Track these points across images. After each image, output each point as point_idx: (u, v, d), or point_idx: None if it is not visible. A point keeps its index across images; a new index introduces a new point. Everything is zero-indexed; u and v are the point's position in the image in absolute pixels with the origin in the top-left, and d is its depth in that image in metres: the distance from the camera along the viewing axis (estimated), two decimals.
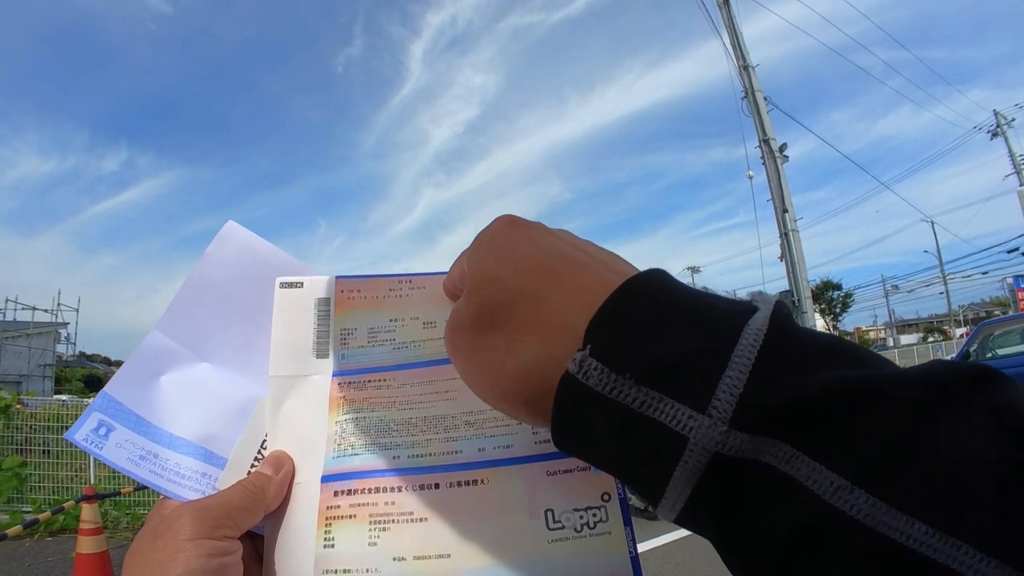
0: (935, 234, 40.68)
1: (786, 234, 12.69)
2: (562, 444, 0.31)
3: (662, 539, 5.08)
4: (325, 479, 0.44)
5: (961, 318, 48.18)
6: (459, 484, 0.42)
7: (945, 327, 48.50)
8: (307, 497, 0.44)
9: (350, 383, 0.47)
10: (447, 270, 0.44)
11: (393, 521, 0.41)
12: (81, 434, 0.47)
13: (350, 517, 0.42)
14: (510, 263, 0.33)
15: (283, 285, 0.50)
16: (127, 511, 6.72)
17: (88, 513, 4.44)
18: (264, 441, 0.47)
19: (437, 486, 0.42)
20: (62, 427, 7.44)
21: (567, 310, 0.30)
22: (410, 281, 0.50)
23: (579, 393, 0.27)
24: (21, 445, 7.34)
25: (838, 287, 48.74)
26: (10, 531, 3.72)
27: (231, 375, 0.51)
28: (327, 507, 0.43)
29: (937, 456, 0.21)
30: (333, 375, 0.48)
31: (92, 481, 6.89)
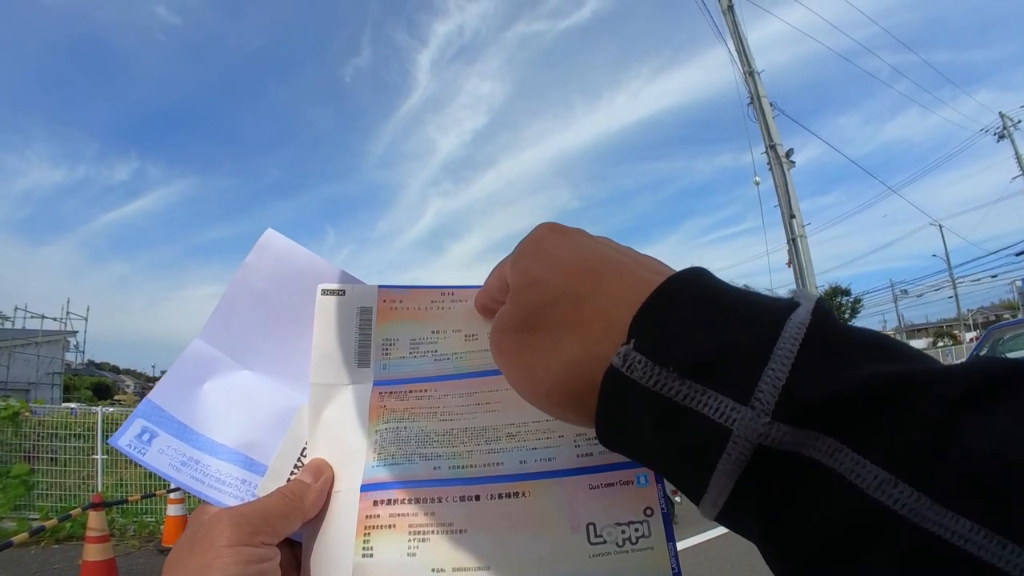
0: (943, 238, 40.51)
1: (794, 240, 12.64)
2: (607, 439, 0.31)
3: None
4: (365, 488, 0.43)
5: (971, 322, 47.91)
6: (500, 496, 0.42)
7: (955, 331, 48.15)
8: (346, 505, 0.44)
9: (391, 393, 0.47)
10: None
11: (433, 532, 0.41)
12: (125, 440, 0.47)
13: (389, 527, 0.42)
14: (552, 266, 0.34)
15: (325, 292, 0.50)
16: (134, 519, 6.74)
17: (95, 521, 4.45)
18: (304, 449, 0.47)
19: (478, 498, 0.42)
20: (70, 435, 7.48)
21: (610, 308, 0.30)
22: (452, 294, 0.50)
23: (623, 386, 0.28)
24: (29, 452, 7.37)
25: (847, 292, 48.47)
26: (16, 538, 3.73)
27: (272, 382, 0.51)
28: (366, 516, 0.42)
29: (982, 452, 0.20)
30: (374, 384, 0.48)
31: (99, 489, 6.91)
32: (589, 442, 0.43)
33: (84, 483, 7.27)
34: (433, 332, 0.49)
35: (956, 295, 41.75)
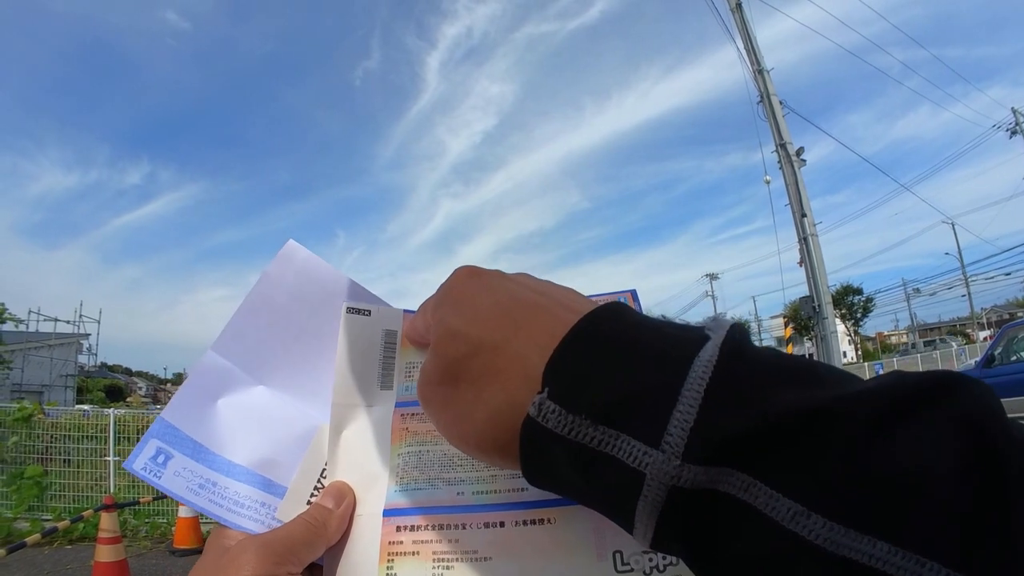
0: (956, 235, 40.24)
1: (805, 239, 12.56)
2: (534, 482, 0.32)
3: None
4: (387, 513, 0.43)
5: (984, 321, 47.48)
6: (525, 523, 0.41)
7: (968, 330, 47.76)
8: (368, 531, 0.43)
9: (414, 415, 0.47)
10: None
11: (457, 560, 0.40)
12: (139, 463, 0.45)
13: (413, 554, 0.41)
14: (469, 315, 0.34)
15: (350, 311, 0.49)
16: (146, 520, 6.79)
17: (107, 522, 4.48)
18: (324, 470, 0.46)
19: (502, 524, 0.41)
20: (83, 436, 7.55)
21: (526, 355, 0.31)
22: None
23: (541, 435, 0.28)
24: (42, 454, 7.44)
25: (859, 292, 48.18)
26: (29, 539, 3.76)
27: (289, 399, 0.50)
28: (389, 542, 0.42)
29: (894, 472, 0.21)
30: (396, 406, 0.47)
31: (111, 490, 6.97)
32: None
33: (97, 484, 7.33)
34: None
35: (969, 293, 41.49)
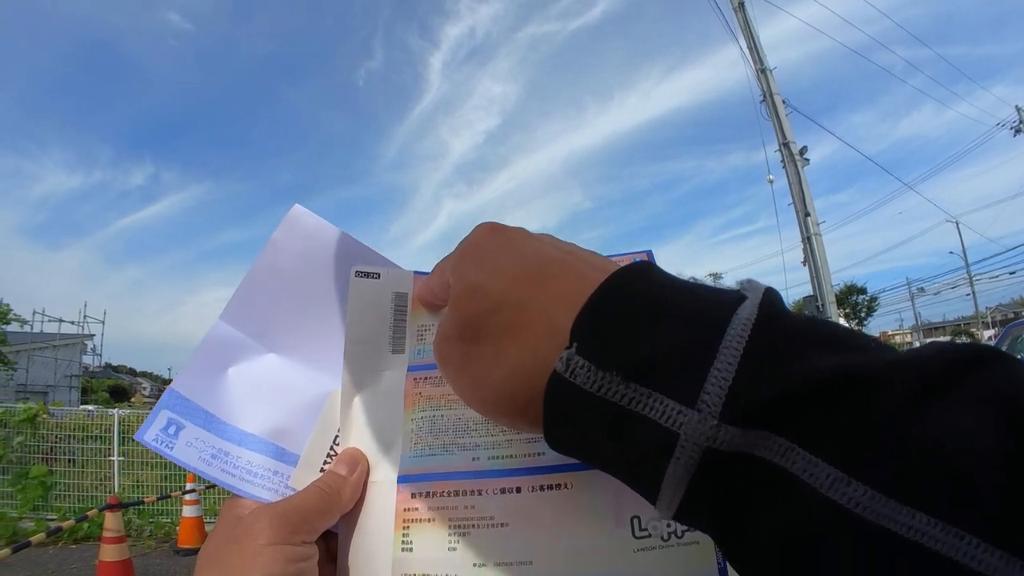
0: (960, 234, 40.09)
1: (808, 238, 12.54)
2: (556, 445, 0.30)
3: None
4: (402, 480, 0.43)
5: (989, 320, 47.26)
6: (542, 488, 0.40)
7: (972, 329, 47.55)
8: (383, 498, 0.43)
9: (427, 379, 0.45)
10: None
11: (473, 526, 0.40)
12: (151, 434, 0.45)
13: (429, 520, 0.41)
14: (492, 270, 0.33)
15: (359, 274, 0.47)
16: (150, 520, 6.79)
17: (111, 521, 4.49)
18: (336, 437, 0.46)
19: (519, 490, 0.40)
20: (87, 437, 7.56)
21: (552, 312, 0.29)
22: None
23: (568, 393, 0.27)
24: (47, 454, 7.45)
25: (863, 291, 48.01)
26: (34, 538, 3.76)
27: (299, 366, 0.49)
28: (404, 509, 0.42)
29: (935, 443, 0.20)
30: (409, 370, 0.46)
31: (116, 490, 6.98)
32: None
33: (101, 484, 7.34)
34: None
35: (974, 292, 41.32)
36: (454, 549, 0.39)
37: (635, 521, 0.39)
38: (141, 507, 6.47)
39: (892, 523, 0.20)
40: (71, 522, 4.74)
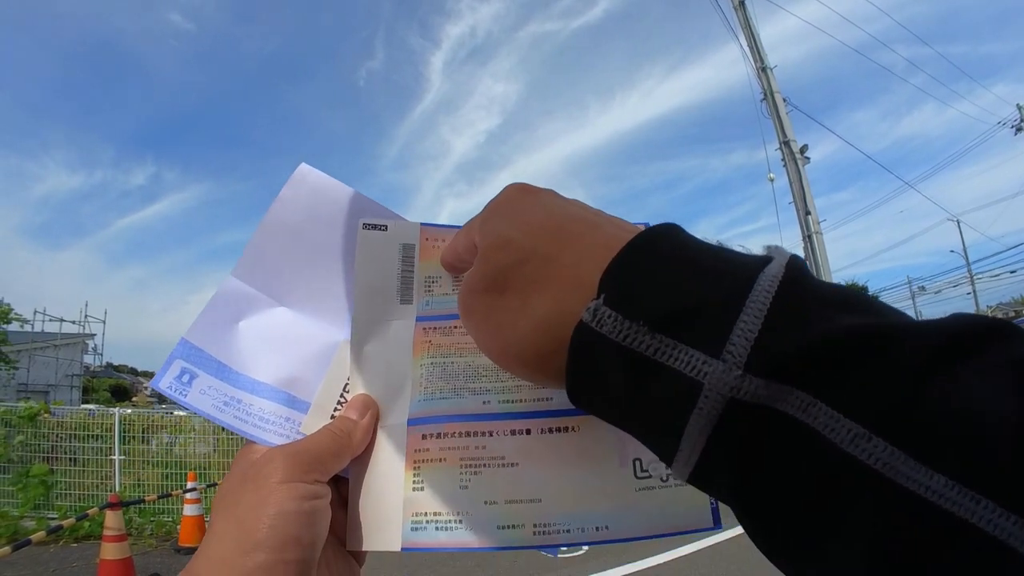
0: (961, 233, 40.05)
1: (809, 236, 12.54)
2: (577, 397, 0.30)
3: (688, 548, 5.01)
4: (412, 422, 0.44)
5: None
6: (550, 431, 0.42)
7: None
8: (393, 440, 0.44)
9: (435, 328, 0.47)
10: None
11: (484, 465, 0.42)
12: (165, 382, 0.46)
13: (440, 460, 0.42)
14: (522, 225, 0.33)
15: (366, 227, 0.48)
16: (151, 518, 6.81)
17: (112, 520, 4.50)
18: (347, 384, 0.47)
19: (528, 432, 0.42)
20: (88, 436, 7.57)
21: (580, 265, 0.30)
22: None
23: (593, 341, 0.27)
24: (48, 453, 7.47)
25: (863, 290, 48.08)
26: (34, 536, 3.77)
27: (309, 319, 0.50)
28: (415, 450, 0.43)
29: (956, 406, 0.20)
30: (417, 320, 0.47)
31: (117, 489, 6.99)
32: None
33: (102, 483, 7.35)
34: None
35: (974, 291, 41.28)
36: (465, 487, 0.41)
37: (637, 463, 0.41)
38: (142, 506, 6.49)
39: (910, 482, 0.20)
40: (72, 520, 4.74)
